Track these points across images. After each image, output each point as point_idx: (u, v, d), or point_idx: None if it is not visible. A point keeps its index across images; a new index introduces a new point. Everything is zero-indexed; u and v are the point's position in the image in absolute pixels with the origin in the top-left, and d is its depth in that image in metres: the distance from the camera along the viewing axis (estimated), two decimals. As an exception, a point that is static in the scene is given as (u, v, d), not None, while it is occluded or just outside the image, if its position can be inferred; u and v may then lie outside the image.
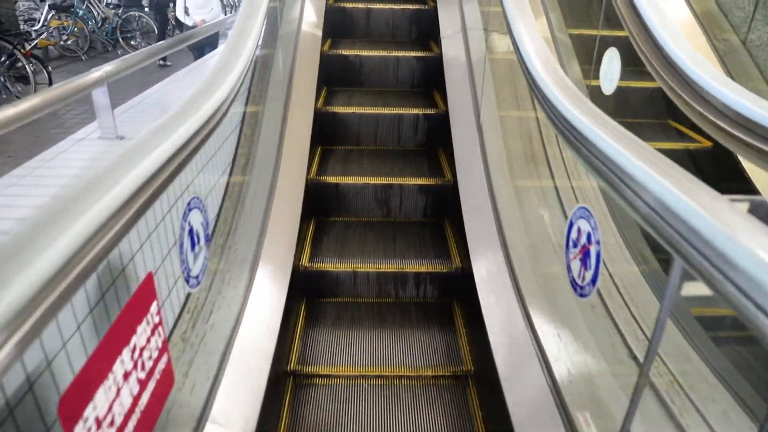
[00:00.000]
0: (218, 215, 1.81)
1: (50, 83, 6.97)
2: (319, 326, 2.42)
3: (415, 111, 3.07)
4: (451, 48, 3.16)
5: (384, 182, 2.82)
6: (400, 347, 2.31)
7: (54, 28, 9.33)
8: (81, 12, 9.43)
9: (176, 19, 7.58)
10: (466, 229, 2.46)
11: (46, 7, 9.25)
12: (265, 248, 2.19)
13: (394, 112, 3.07)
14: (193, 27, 6.01)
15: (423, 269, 2.54)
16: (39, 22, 9.25)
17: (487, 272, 2.23)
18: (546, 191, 2.14)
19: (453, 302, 2.59)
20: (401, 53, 3.35)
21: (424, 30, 3.71)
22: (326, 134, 3.15)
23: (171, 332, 1.29)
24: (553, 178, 2.14)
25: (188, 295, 1.39)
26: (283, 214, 2.42)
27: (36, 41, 9.09)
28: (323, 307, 2.55)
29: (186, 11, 6.20)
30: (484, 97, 2.62)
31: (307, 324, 2.44)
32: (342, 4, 3.67)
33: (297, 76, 2.93)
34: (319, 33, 3.33)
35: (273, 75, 2.52)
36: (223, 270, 1.72)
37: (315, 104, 3.03)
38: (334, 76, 3.40)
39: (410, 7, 3.65)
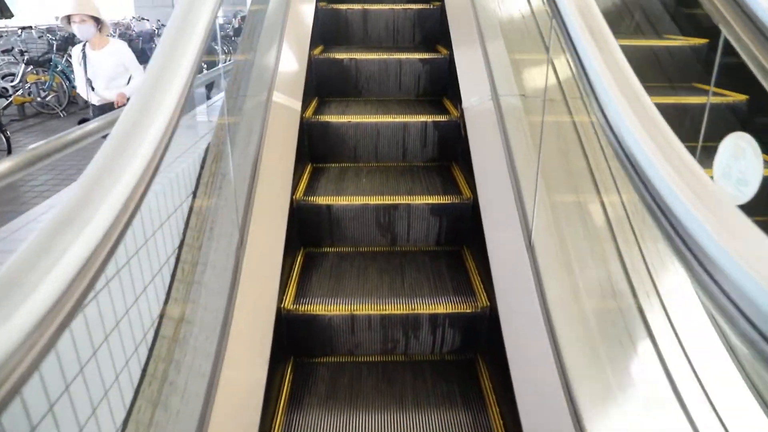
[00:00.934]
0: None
1: (9, 151, 6.16)
2: (309, 397, 1.82)
3: (423, 118, 2.55)
4: (459, 39, 2.69)
5: (387, 203, 2.26)
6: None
7: (31, 84, 8.79)
8: (59, 66, 8.93)
9: None
10: (490, 260, 1.89)
11: (23, 63, 8.77)
12: (240, 290, 1.61)
13: (398, 120, 2.55)
14: (105, 106, 4.32)
15: (440, 310, 1.95)
16: (17, 77, 8.70)
17: (515, 318, 1.67)
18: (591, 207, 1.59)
19: (477, 358, 2.00)
20: (404, 56, 2.88)
21: (430, 32, 3.26)
22: (317, 150, 2.62)
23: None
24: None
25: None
26: (262, 244, 1.85)
27: (11, 98, 8.56)
28: (315, 371, 1.95)
29: (90, 85, 4.34)
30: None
31: (292, 395, 1.83)
32: (335, 6, 3.23)
33: (279, 84, 2.42)
34: (308, 37, 2.87)
35: (251, 85, 2.03)
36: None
37: (302, 114, 2.52)
38: (326, 86, 2.92)
39: (412, 6, 3.21)
